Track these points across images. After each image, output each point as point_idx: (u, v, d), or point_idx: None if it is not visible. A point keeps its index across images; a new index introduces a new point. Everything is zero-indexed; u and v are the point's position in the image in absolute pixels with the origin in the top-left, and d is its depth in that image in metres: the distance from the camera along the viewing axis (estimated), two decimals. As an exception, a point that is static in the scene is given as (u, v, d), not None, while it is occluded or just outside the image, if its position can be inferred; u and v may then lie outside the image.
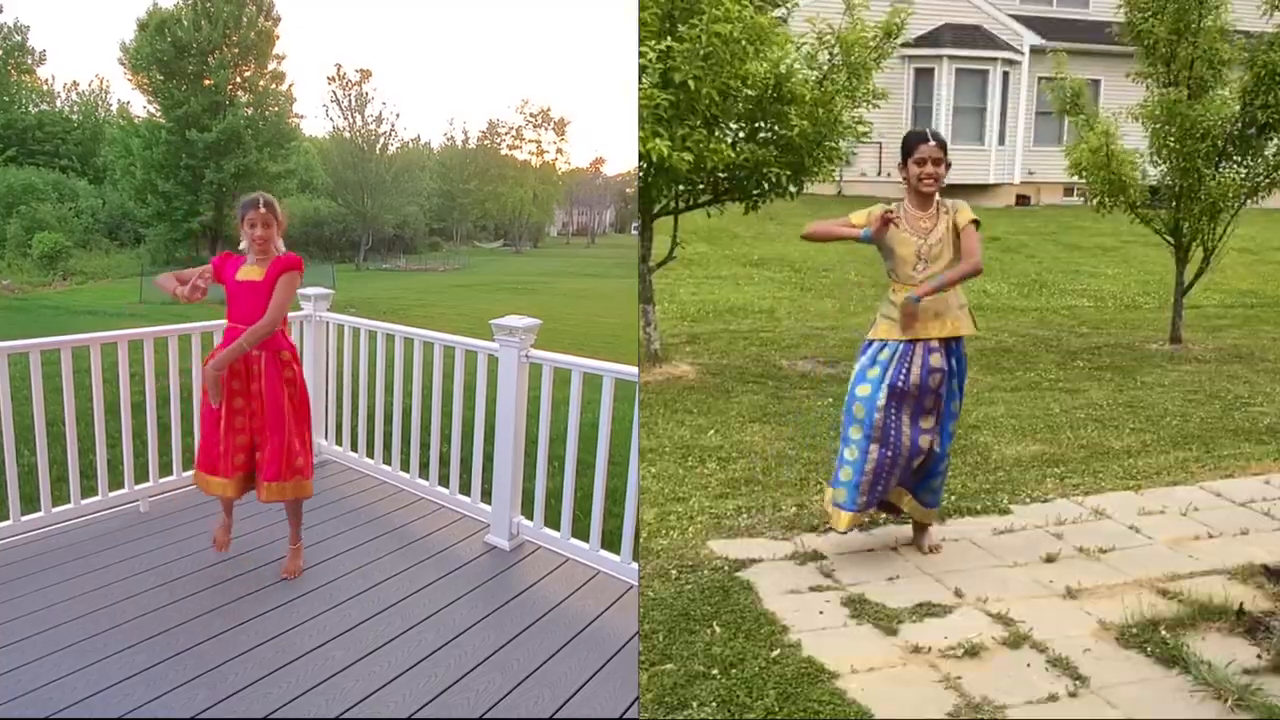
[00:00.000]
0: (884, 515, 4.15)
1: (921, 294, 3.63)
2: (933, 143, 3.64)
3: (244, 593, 3.87)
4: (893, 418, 3.70)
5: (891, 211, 3.64)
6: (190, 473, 5.10)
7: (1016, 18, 19.93)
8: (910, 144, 3.68)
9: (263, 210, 3.79)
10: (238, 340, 3.80)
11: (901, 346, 3.71)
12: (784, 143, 7.36)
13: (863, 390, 3.72)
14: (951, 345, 3.76)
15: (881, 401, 3.68)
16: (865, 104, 7.74)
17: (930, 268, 3.67)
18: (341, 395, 5.60)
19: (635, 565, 3.96)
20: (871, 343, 3.79)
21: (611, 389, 4.02)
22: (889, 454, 3.70)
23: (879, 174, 19.49)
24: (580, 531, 4.41)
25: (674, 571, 3.71)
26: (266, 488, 3.93)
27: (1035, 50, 19.19)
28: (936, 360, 3.71)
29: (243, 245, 3.90)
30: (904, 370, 3.69)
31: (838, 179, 17.76)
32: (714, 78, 6.74)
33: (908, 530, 4.13)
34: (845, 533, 3.90)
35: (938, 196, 3.73)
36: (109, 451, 4.69)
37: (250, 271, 3.84)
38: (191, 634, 3.48)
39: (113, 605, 3.69)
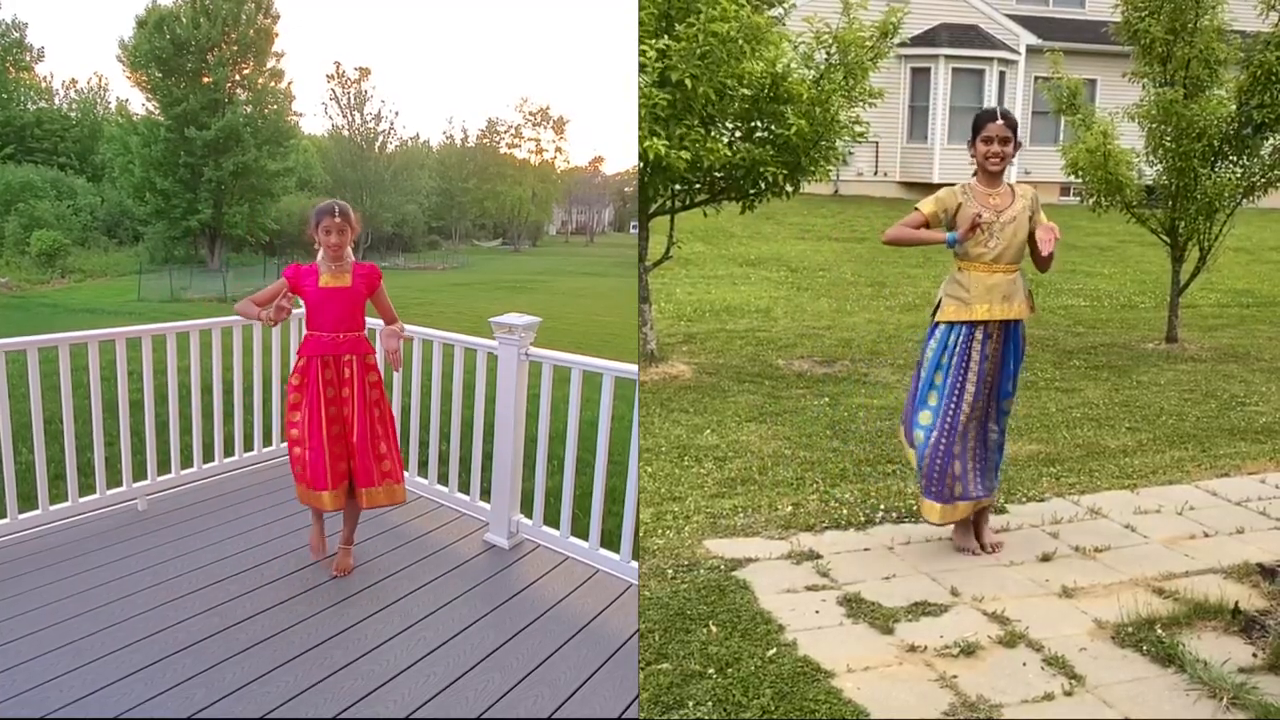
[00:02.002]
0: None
1: (1048, 252, 3.69)
2: (1000, 121, 3.71)
3: (241, 591, 3.87)
4: (969, 405, 3.76)
5: (979, 216, 3.69)
6: (189, 470, 5.14)
7: (1013, 17, 19.95)
8: (980, 123, 3.76)
9: (338, 219, 3.85)
10: (397, 335, 4.03)
11: (967, 330, 3.75)
12: (780, 142, 7.37)
13: (938, 378, 3.78)
14: (1014, 326, 3.83)
15: (961, 390, 3.74)
16: (862, 103, 7.76)
17: (999, 246, 3.72)
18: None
19: (634, 564, 3.97)
20: (937, 325, 3.82)
21: (611, 387, 4.03)
22: (960, 443, 3.76)
23: (875, 173, 19.52)
24: (580, 530, 4.41)
25: (670, 571, 3.71)
26: (367, 494, 4.00)
27: (1032, 50, 19.21)
28: (998, 343, 3.79)
29: (318, 254, 3.94)
30: (973, 354, 3.75)
31: (834, 178, 17.80)
32: (711, 77, 6.75)
33: (906, 529, 4.15)
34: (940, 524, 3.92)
35: (1005, 178, 3.82)
36: (107, 449, 4.70)
37: (335, 279, 3.92)
38: (189, 633, 3.49)
39: (110, 604, 3.69)
